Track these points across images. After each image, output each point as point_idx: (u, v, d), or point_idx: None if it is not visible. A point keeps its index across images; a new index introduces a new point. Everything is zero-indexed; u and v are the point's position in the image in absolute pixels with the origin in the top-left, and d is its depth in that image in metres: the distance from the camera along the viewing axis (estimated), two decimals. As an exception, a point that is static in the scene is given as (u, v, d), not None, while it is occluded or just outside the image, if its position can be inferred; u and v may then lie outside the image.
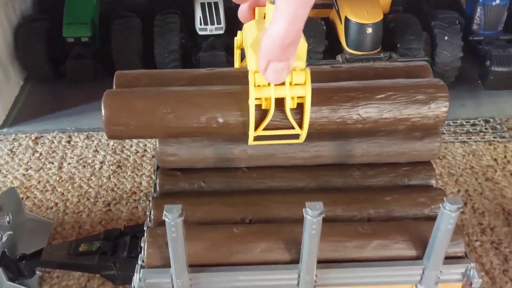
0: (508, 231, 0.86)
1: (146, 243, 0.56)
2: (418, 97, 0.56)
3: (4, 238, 0.74)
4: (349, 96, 0.55)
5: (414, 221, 0.59)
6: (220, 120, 0.55)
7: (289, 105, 0.52)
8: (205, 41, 1.27)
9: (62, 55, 1.27)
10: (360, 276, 0.56)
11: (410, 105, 0.56)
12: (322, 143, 0.61)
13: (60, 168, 1.02)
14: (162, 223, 0.50)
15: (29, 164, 1.03)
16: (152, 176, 0.97)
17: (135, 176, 1.00)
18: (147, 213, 0.62)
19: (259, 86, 0.50)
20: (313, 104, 0.52)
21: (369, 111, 0.56)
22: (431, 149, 0.62)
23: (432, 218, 0.53)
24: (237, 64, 0.65)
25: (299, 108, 0.52)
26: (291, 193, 0.62)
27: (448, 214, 0.49)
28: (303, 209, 0.49)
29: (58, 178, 0.99)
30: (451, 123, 1.13)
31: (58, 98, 1.25)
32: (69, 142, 1.10)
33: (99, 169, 1.02)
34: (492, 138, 1.07)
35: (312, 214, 0.48)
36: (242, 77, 0.56)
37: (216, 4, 1.27)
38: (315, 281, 0.56)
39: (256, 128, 0.53)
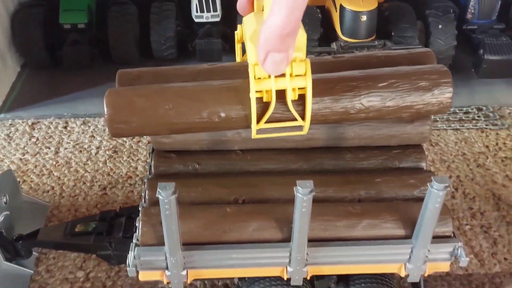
0: (497, 215, 0.87)
1: (140, 222, 0.57)
2: (421, 83, 0.56)
3: (1, 218, 0.75)
4: (351, 86, 0.55)
5: (404, 202, 0.60)
6: (222, 114, 0.55)
7: (291, 96, 0.51)
8: (201, 28, 1.28)
9: (58, 42, 1.27)
10: (350, 254, 0.57)
11: (413, 92, 0.56)
12: (315, 126, 0.61)
13: (56, 153, 1.03)
14: (157, 203, 0.51)
15: (25, 148, 1.04)
16: (148, 161, 0.98)
17: (131, 161, 1.01)
18: (142, 194, 0.63)
19: (259, 78, 0.50)
20: (314, 95, 0.52)
21: (371, 100, 0.55)
22: (421, 132, 0.63)
23: (421, 199, 0.54)
24: (238, 58, 0.64)
25: (301, 99, 0.52)
26: (284, 175, 0.63)
27: (435, 193, 0.50)
28: (294, 188, 0.50)
29: (54, 163, 1.00)
30: (444, 111, 1.13)
31: (55, 84, 1.26)
32: (65, 127, 1.10)
33: (95, 154, 1.02)
34: (484, 126, 1.08)
35: (303, 192, 0.50)
36: (243, 71, 0.56)
37: (212, -9, 1.28)
38: (306, 259, 0.57)
39: (258, 121, 0.53)
